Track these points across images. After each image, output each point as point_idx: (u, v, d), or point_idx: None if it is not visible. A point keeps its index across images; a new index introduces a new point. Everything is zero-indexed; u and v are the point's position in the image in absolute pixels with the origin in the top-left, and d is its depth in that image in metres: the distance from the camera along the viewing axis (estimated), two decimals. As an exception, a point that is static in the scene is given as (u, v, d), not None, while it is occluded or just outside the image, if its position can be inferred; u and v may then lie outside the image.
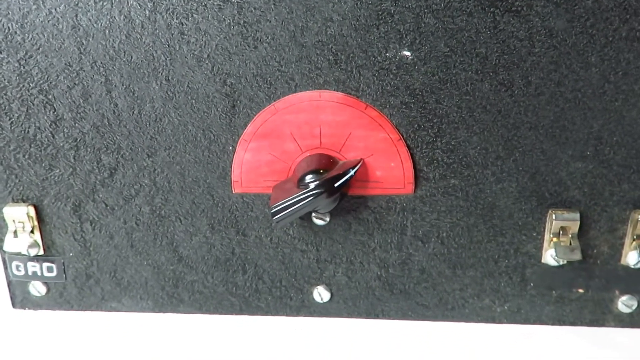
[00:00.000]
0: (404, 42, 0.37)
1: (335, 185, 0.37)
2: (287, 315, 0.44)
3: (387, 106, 0.38)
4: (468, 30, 0.36)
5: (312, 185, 0.37)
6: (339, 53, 0.37)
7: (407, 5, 0.36)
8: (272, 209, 0.37)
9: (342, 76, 0.38)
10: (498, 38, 0.36)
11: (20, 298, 0.45)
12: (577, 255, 0.39)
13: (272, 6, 0.36)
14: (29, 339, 0.43)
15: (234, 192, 0.41)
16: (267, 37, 0.37)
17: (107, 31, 0.38)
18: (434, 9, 0.36)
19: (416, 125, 0.38)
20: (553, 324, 0.43)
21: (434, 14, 0.36)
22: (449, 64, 0.37)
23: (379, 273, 0.42)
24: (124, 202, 0.42)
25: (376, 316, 0.44)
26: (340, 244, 0.42)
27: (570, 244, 0.39)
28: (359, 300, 0.43)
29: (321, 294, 0.43)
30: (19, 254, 0.43)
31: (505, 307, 0.43)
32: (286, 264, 0.43)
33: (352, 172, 0.38)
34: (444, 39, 0.36)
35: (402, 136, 0.39)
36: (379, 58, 0.37)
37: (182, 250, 0.43)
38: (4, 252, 0.43)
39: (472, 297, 0.42)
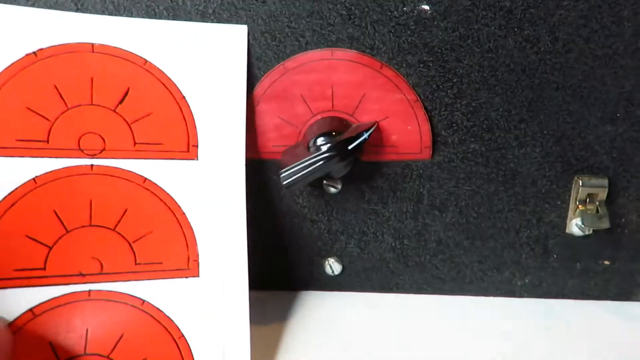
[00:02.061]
0: (423, -5, 0.34)
1: (349, 148, 0.34)
2: (296, 289, 0.42)
3: (404, 65, 0.35)
4: (492, -18, 0.33)
5: (324, 148, 0.34)
6: (352, 7, 0.34)
7: (426, -45, 0.33)
8: (281, 173, 0.34)
9: (356, 33, 0.35)
10: (524, -10, 0.33)
11: None
12: (605, 224, 0.36)
13: (282, -44, 0.34)
14: None
15: (241, 158, 0.38)
16: (276, -9, 0.34)
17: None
18: (456, -42, 0.33)
19: (434, 86, 0.36)
20: (576, 297, 0.40)
21: (455, -37, 0.33)
22: (470, 19, 0.34)
23: (393, 244, 0.40)
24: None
25: (390, 290, 0.41)
26: (353, 214, 0.39)
27: (598, 211, 0.36)
28: (372, 273, 0.41)
29: (332, 266, 0.40)
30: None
31: (526, 280, 0.40)
32: (295, 234, 0.40)
33: (366, 135, 0.35)
34: (465, -9, 0.33)
35: (420, 97, 0.36)
36: (395, 13, 0.34)
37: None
38: None
39: (491, 269, 0.40)
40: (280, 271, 0.41)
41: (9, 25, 0.32)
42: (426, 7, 0.34)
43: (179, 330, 0.32)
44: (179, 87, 0.34)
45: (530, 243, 0.39)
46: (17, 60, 0.32)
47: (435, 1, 0.34)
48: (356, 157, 0.35)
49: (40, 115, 0.32)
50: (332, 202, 0.39)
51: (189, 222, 0.33)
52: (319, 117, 0.37)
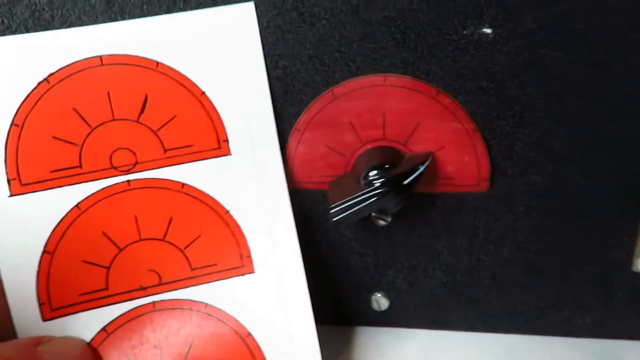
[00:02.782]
0: (485, 17, 0.31)
1: (404, 183, 0.32)
2: (341, 324, 0.39)
3: (462, 92, 0.33)
4: (562, 4, 0.30)
5: (376, 184, 0.32)
6: (407, 31, 0.32)
7: (490, -26, 0.30)
8: (331, 209, 0.32)
9: (411, 57, 0.32)
10: (597, 12, 0.30)
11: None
12: (679, 265, 0.33)
13: (333, -23, 0.31)
14: None
15: (284, 188, 0.36)
16: (326, 13, 0.32)
17: (145, 6, 0.33)
18: (522, -22, 0.30)
19: (495, 114, 0.33)
20: (642, 339, 0.37)
21: (522, -16, 0.30)
22: (536, 43, 0.31)
23: (444, 280, 0.37)
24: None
25: (440, 326, 0.38)
26: (402, 247, 0.37)
27: (671, 251, 0.33)
28: (421, 309, 0.38)
29: (379, 301, 0.38)
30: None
31: (588, 320, 0.37)
32: (341, 268, 0.37)
33: (422, 169, 0.32)
34: (531, 13, 0.31)
35: (478, 126, 0.33)
36: (454, 36, 0.32)
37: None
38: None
39: (550, 307, 0.37)
40: (323, 305, 0.38)
41: (14, 57, 0.31)
42: (488, 31, 0.31)
43: (245, 328, 0.32)
44: (197, 84, 0.32)
45: (593, 280, 0.36)
46: (32, 91, 0.31)
47: (497, 24, 0.31)
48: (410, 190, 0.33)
49: (68, 142, 0.31)
50: (381, 234, 0.36)
51: (234, 219, 0.33)
52: (369, 146, 0.34)
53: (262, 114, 0.33)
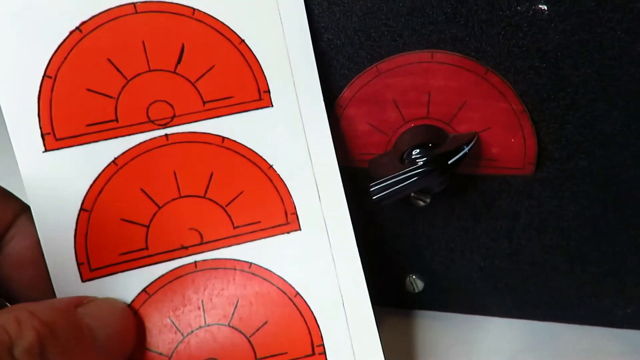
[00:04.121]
0: (541, -7, 0.29)
1: (449, 162, 0.30)
2: (375, 304, 0.38)
3: (512, 71, 0.31)
4: (623, -20, 0.28)
5: (420, 162, 0.30)
6: (459, 5, 0.30)
7: (549, -53, 0.28)
8: (371, 187, 0.31)
9: (461, 33, 0.31)
10: (660, -10, 0.28)
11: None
12: None
13: (383, -54, 0.30)
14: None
15: (323, 165, 0.35)
16: (374, -16, 0.30)
17: (188, -25, 0.32)
18: (583, -49, 0.28)
19: (545, 95, 0.31)
20: (684, 332, 0.36)
21: (582, -42, 0.28)
22: (593, 21, 0.29)
23: (482, 264, 0.36)
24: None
25: (475, 312, 0.37)
26: (440, 229, 0.35)
27: None
28: (457, 293, 0.37)
29: (414, 283, 0.37)
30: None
31: (629, 311, 0.36)
32: (377, 248, 0.36)
33: (467, 149, 0.31)
34: (591, -11, 0.29)
35: (527, 107, 0.32)
36: (507, 12, 0.30)
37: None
38: None
39: (590, 296, 0.36)
40: (357, 285, 0.37)
41: (44, 5, 0.29)
42: (544, 7, 0.30)
43: (293, 288, 0.31)
44: (236, 31, 0.30)
45: (637, 270, 0.34)
46: (64, 41, 0.29)
47: (554, 1, 0.29)
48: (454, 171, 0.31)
49: (103, 94, 0.30)
50: (419, 215, 0.35)
51: (278, 175, 0.31)
52: (412, 124, 0.33)
53: (304, 63, 0.31)
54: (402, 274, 0.37)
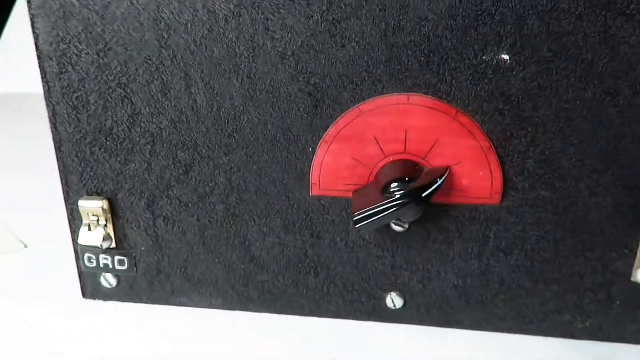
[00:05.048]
0: (503, 44, 0.33)
1: (423, 195, 0.33)
2: (357, 319, 0.41)
3: (480, 112, 0.34)
4: (575, 34, 0.32)
5: (397, 195, 0.34)
6: (431, 54, 0.34)
7: (509, 6, 0.32)
8: (354, 217, 0.34)
9: (433, 79, 0.34)
10: (607, 43, 0.32)
11: (90, 289, 0.43)
12: (675, 278, 0.35)
13: (364, 2, 0.33)
14: (97, 328, 0.41)
15: (311, 194, 0.38)
16: (356, 36, 0.34)
17: (189, 25, 0.35)
18: (539, 10, 0.32)
19: (509, 133, 0.35)
20: (637, 343, 0.39)
21: (539, 15, 0.32)
22: (550, 70, 0.33)
23: (455, 282, 0.39)
24: (199, 200, 0.39)
25: (450, 325, 0.41)
26: (417, 251, 0.39)
27: (668, 265, 0.35)
28: (433, 308, 0.40)
29: (394, 300, 0.40)
30: (92, 246, 0.41)
31: (587, 324, 0.39)
32: (360, 268, 0.40)
33: (439, 182, 0.34)
34: (547, 42, 0.32)
35: (493, 144, 0.35)
36: (474, 61, 0.33)
37: (254, 250, 0.40)
38: (77, 243, 0.41)
39: (553, 311, 0.39)
40: (342, 301, 0.41)
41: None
42: (506, 57, 0.33)
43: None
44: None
45: (594, 288, 0.38)
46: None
47: (515, 51, 0.33)
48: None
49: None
50: (398, 239, 0.38)
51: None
52: (391, 158, 0.36)
53: None
54: (383, 291, 0.40)
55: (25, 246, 0.52)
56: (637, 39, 0.32)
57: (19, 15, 1.32)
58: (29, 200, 0.61)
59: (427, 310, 0.40)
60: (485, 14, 0.32)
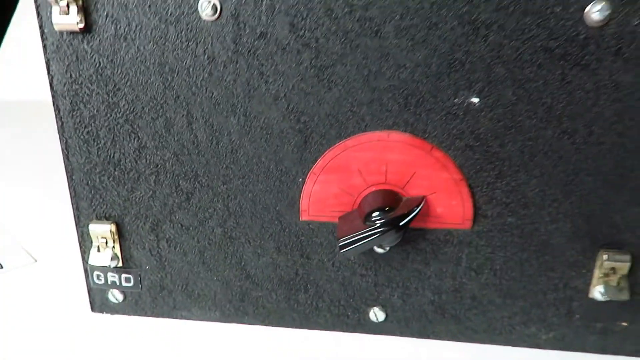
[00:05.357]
0: (473, 89, 0.37)
1: (401, 224, 0.37)
2: (343, 331, 0.45)
3: (452, 148, 0.38)
4: (536, 81, 0.36)
5: (378, 224, 0.38)
6: (409, 97, 0.37)
7: (478, 56, 0.36)
8: (339, 243, 0.38)
9: (411, 119, 0.38)
10: (565, 89, 0.36)
11: (99, 303, 0.47)
12: (624, 296, 0.39)
13: (348, 52, 0.36)
14: (105, 340, 0.44)
15: (301, 219, 0.42)
16: (342, 80, 0.37)
17: (190, 69, 0.38)
18: (505, 60, 0.36)
19: (478, 167, 0.39)
20: (596, 352, 0.43)
21: (505, 64, 0.36)
22: (515, 112, 0.37)
23: (432, 298, 0.43)
24: (199, 224, 0.43)
25: (427, 336, 0.45)
26: (398, 270, 0.42)
27: (619, 284, 0.39)
28: (412, 322, 0.44)
29: (377, 314, 0.44)
30: (101, 266, 0.44)
31: (551, 335, 0.43)
32: (345, 285, 0.43)
33: (416, 211, 0.38)
34: (512, 88, 0.36)
35: (465, 177, 0.39)
36: (447, 103, 0.37)
37: (250, 269, 0.44)
38: (87, 263, 0.44)
39: (520, 324, 0.43)
40: (330, 314, 0.45)
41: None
42: (475, 100, 0.37)
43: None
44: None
45: (556, 304, 0.42)
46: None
47: (484, 95, 0.37)
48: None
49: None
50: (380, 259, 0.42)
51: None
52: (373, 189, 0.40)
53: None
54: (367, 306, 0.44)
55: (36, 261, 0.55)
56: (590, 85, 0.35)
57: (18, 22, 1.34)
58: (38, 214, 0.65)
59: (406, 323, 0.44)
60: (456, 62, 0.36)
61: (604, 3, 0.33)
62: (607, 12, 0.34)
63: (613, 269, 0.39)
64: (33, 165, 0.78)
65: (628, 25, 0.34)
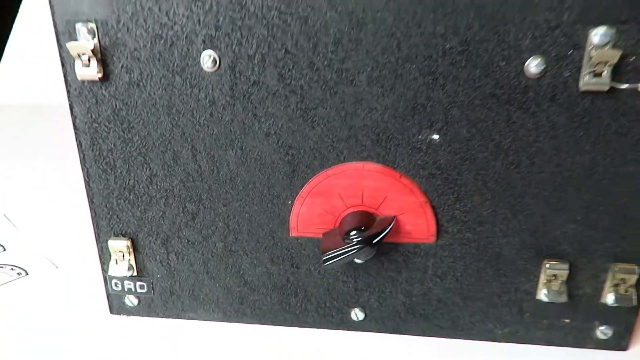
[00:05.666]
0: (433, 128, 0.43)
1: (374, 241, 0.44)
2: (329, 329, 0.52)
3: (417, 176, 0.45)
4: (486, 121, 0.43)
5: (355, 241, 0.44)
6: (380, 134, 0.44)
7: (437, 101, 0.42)
8: (323, 258, 0.45)
9: (382, 152, 0.45)
10: (510, 128, 0.43)
11: (117, 307, 0.54)
12: (563, 299, 0.46)
13: (328, 97, 0.43)
14: (124, 338, 0.51)
15: (290, 235, 0.49)
16: (323, 120, 0.44)
17: (194, 111, 0.45)
18: (460, 104, 0.42)
19: (440, 192, 0.45)
20: (543, 344, 0.51)
21: (459, 108, 0.42)
22: (469, 146, 0.44)
23: (404, 300, 0.50)
24: (202, 239, 0.50)
25: (400, 332, 0.52)
26: (374, 277, 0.50)
27: (560, 288, 0.47)
28: (387, 320, 0.51)
29: (357, 314, 0.51)
30: (118, 276, 0.51)
31: (505, 331, 0.50)
32: (330, 290, 0.51)
33: (388, 230, 0.45)
34: (466, 127, 0.43)
35: (429, 200, 0.46)
36: (412, 139, 0.44)
37: (247, 277, 0.51)
38: (107, 273, 0.51)
39: (479, 321, 0.50)
40: (317, 314, 0.52)
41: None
42: (435, 137, 0.44)
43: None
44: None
45: (509, 304, 0.49)
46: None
47: (442, 133, 0.43)
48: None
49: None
50: (359, 268, 0.49)
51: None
52: (352, 210, 0.47)
53: None
54: (348, 307, 0.51)
55: (57, 267, 0.62)
56: (531, 125, 0.42)
57: (21, 27, 1.39)
58: (56, 221, 0.71)
59: (382, 321, 0.51)
60: (419, 106, 0.43)
61: (540, 59, 0.40)
62: (542, 66, 0.40)
63: (555, 275, 0.47)
64: (54, 172, 0.85)
65: (561, 76, 0.41)
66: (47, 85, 1.18)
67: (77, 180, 0.49)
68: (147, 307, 0.54)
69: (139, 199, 0.49)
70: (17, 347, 0.50)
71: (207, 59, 0.43)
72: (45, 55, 1.29)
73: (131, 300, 0.53)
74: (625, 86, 0.39)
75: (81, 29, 0.42)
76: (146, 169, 0.47)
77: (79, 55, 0.43)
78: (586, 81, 0.40)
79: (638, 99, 0.40)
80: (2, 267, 0.62)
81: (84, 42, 0.42)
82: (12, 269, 0.62)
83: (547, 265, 0.46)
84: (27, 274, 0.61)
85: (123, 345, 0.51)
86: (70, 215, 0.73)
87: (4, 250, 0.65)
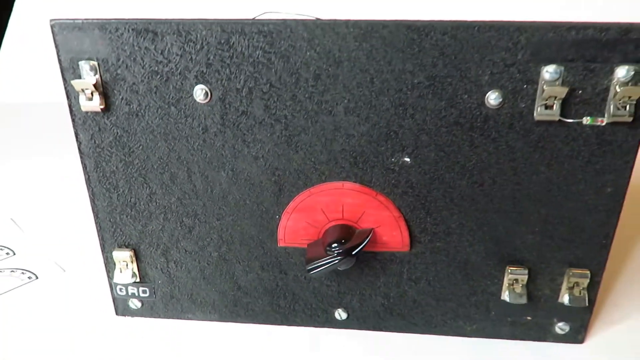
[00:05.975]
0: (405, 151, 0.48)
1: (353, 253, 0.49)
2: (315, 327, 0.58)
3: (392, 194, 0.50)
4: (452, 146, 0.47)
5: (336, 252, 0.50)
6: (357, 157, 0.49)
7: (408, 128, 0.47)
8: (307, 268, 0.50)
9: (360, 173, 0.49)
10: (474, 152, 0.47)
11: (121, 309, 0.59)
12: (523, 300, 0.52)
13: (310, 125, 0.48)
14: (129, 338, 0.57)
15: (279, 245, 0.54)
16: (306, 145, 0.49)
17: (189, 137, 0.49)
18: (428, 131, 0.47)
19: (412, 207, 0.50)
20: (508, 339, 0.56)
21: (428, 134, 0.47)
22: (437, 168, 0.48)
23: (382, 302, 0.56)
24: (199, 250, 0.55)
25: (380, 330, 0.57)
26: (355, 282, 0.55)
27: (520, 291, 0.52)
28: (368, 319, 0.57)
29: (340, 314, 0.57)
30: (123, 283, 0.56)
31: (474, 327, 0.56)
32: (315, 293, 0.56)
33: (365, 242, 0.50)
34: (434, 151, 0.48)
35: (402, 214, 0.51)
36: (386, 162, 0.49)
37: (240, 282, 0.56)
38: (112, 280, 0.56)
39: (450, 319, 0.56)
40: (305, 313, 0.57)
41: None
42: (407, 159, 0.48)
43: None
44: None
45: (477, 304, 0.55)
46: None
47: (413, 156, 0.48)
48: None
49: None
50: (342, 273, 0.55)
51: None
52: (333, 223, 0.52)
53: None
54: (332, 308, 0.56)
55: (64, 271, 0.67)
56: (492, 149, 0.47)
57: (16, 26, 1.41)
58: (60, 223, 0.76)
59: (364, 320, 0.57)
60: (392, 133, 0.47)
61: (498, 92, 0.45)
62: (500, 99, 0.45)
63: (516, 279, 0.52)
64: (59, 174, 0.89)
65: (517, 107, 0.45)
66: (47, 86, 1.22)
67: (78, 180, 0.53)
68: (150, 309, 0.59)
69: (140, 214, 0.53)
70: (30, 346, 0.55)
71: (200, 92, 0.47)
72: (40, 53, 1.32)
73: (135, 304, 0.58)
74: (570, 121, 0.44)
75: (84, 66, 0.47)
76: (146, 188, 0.52)
77: (82, 90, 0.47)
78: (539, 112, 0.45)
79: (585, 128, 0.45)
80: (13, 271, 0.67)
81: (87, 79, 0.47)
82: (23, 272, 0.67)
83: (509, 271, 0.52)
84: (37, 277, 0.66)
85: (128, 343, 0.56)
86: (74, 218, 0.77)
87: (14, 254, 0.70)
